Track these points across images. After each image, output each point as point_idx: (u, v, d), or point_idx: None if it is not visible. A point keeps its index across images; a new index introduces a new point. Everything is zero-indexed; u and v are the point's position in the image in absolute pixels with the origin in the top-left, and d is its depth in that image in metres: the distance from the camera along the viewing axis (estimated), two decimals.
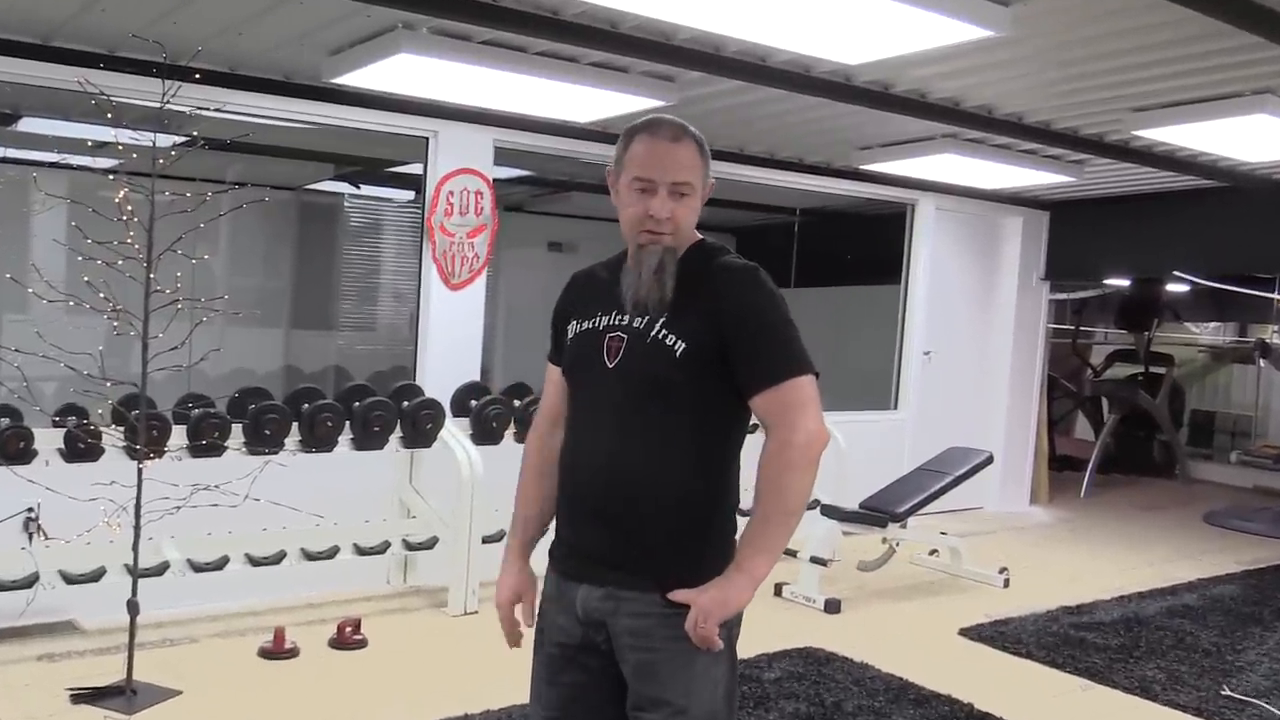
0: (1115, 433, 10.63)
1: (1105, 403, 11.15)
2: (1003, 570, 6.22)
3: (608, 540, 2.04)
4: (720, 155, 6.74)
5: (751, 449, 2.03)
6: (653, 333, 2.01)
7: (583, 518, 2.09)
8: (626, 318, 2.05)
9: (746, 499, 2.02)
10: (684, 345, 1.98)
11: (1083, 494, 9.67)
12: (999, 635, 5.17)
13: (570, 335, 2.16)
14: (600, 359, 2.06)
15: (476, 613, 5.11)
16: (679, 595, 1.97)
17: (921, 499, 5.98)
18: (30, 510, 4.42)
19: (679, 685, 1.99)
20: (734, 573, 1.96)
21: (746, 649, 4.65)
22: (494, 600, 2.25)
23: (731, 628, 2.06)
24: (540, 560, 2.21)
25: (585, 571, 2.07)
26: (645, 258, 2.04)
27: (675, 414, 2.00)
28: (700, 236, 2.12)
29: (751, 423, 2.06)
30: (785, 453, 1.95)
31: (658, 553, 2.01)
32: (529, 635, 2.21)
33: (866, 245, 9.13)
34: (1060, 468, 10.60)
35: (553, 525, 2.20)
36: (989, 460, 6.44)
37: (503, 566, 2.27)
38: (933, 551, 6.54)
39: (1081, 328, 11.99)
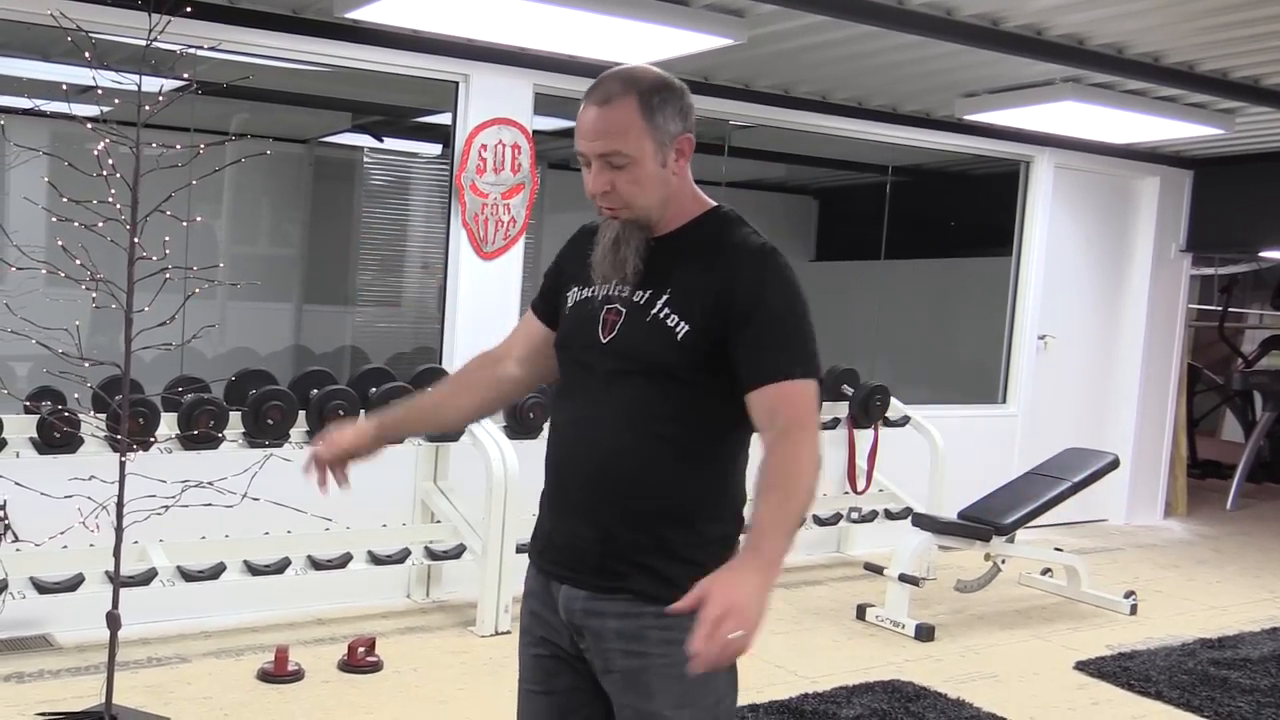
0: (1270, 433, 10.44)
1: (1258, 398, 10.94)
2: (1129, 594, 6.16)
3: (592, 540, 2.08)
4: (799, 104, 6.75)
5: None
6: (654, 310, 2.05)
7: (564, 512, 2.14)
8: (628, 289, 2.09)
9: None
10: (686, 327, 2.02)
11: (1229, 506, 9.54)
12: (1123, 671, 5.11)
13: (569, 304, 2.20)
14: (595, 333, 2.10)
15: (509, 633, 5.13)
16: (678, 607, 1.85)
17: (1033, 509, 5.91)
18: None
19: (670, 696, 2.02)
20: (748, 557, 1.88)
21: (822, 681, 4.64)
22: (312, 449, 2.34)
23: None
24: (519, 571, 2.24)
25: (566, 572, 2.12)
26: (604, 231, 2.13)
27: (673, 403, 2.04)
28: (712, 203, 2.15)
29: None
30: (795, 435, 1.95)
31: (648, 561, 2.04)
32: None
33: (971, 210, 9.04)
34: (1202, 475, 10.47)
35: (531, 516, 2.25)
36: (1114, 464, 6.36)
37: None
38: (1046, 571, 6.48)
39: (1230, 308, 11.78)
